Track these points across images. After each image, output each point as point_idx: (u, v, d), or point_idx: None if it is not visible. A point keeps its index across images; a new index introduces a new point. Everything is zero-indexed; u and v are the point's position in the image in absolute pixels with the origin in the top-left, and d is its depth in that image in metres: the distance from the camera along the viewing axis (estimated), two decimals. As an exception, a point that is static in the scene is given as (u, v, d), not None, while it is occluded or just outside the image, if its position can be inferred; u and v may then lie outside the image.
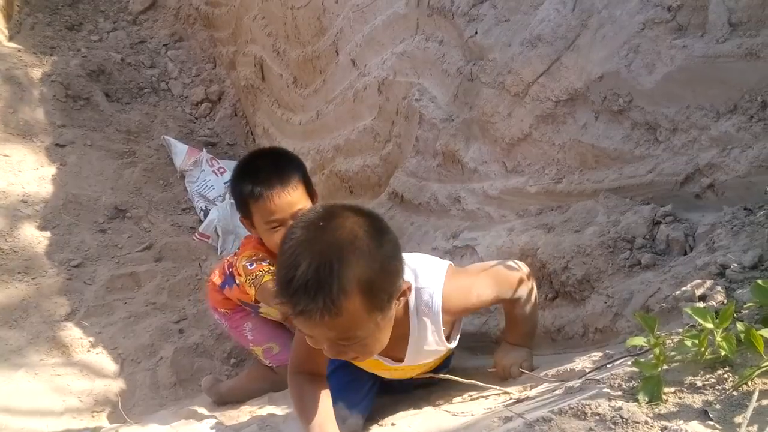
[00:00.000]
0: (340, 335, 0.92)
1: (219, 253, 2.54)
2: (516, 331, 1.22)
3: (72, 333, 2.13)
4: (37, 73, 3.00)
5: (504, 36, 1.48)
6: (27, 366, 1.99)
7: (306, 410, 1.06)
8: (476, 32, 1.55)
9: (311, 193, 1.52)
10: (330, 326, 0.89)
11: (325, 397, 1.07)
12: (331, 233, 0.89)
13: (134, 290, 2.35)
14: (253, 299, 1.55)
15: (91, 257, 2.43)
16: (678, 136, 1.18)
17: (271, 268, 1.49)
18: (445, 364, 1.25)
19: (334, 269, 0.86)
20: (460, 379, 1.13)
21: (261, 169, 1.48)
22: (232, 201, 2.70)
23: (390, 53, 1.89)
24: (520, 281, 1.14)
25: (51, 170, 2.68)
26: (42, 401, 1.89)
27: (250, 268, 1.52)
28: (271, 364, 1.75)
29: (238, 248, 1.71)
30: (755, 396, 0.71)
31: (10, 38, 3.22)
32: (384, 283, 0.91)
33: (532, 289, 1.17)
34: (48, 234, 2.46)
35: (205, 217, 2.64)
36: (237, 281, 1.62)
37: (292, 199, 1.45)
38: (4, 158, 2.64)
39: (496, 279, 1.13)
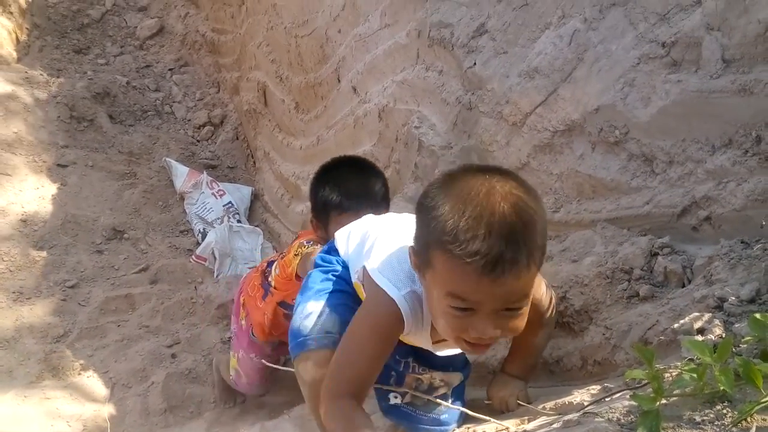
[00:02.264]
0: (519, 297, 0.81)
1: (215, 276, 2.52)
2: (521, 362, 1.18)
3: (64, 355, 2.10)
4: (43, 95, 3.04)
5: (502, 67, 1.51)
6: (17, 388, 1.96)
7: None
8: (475, 63, 1.59)
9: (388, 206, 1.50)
10: (520, 284, 0.79)
11: None
12: (509, 182, 0.80)
13: (128, 312, 2.32)
14: (295, 272, 1.46)
15: (86, 278, 2.42)
16: (674, 168, 1.19)
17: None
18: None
19: (534, 215, 0.78)
20: (461, 409, 1.11)
21: (351, 182, 1.45)
22: (231, 224, 2.72)
23: (390, 81, 1.92)
24: (554, 306, 1.12)
25: (51, 190, 2.69)
26: (30, 425, 1.85)
27: (307, 243, 1.47)
28: (232, 381, 1.81)
29: (287, 246, 1.67)
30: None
31: (18, 60, 3.28)
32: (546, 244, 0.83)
33: (554, 319, 1.14)
34: (45, 254, 2.45)
35: (203, 240, 2.64)
36: (275, 273, 1.57)
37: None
38: (6, 177, 2.65)
39: (547, 289, 1.09)
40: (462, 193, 0.80)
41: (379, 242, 1.02)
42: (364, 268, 1.01)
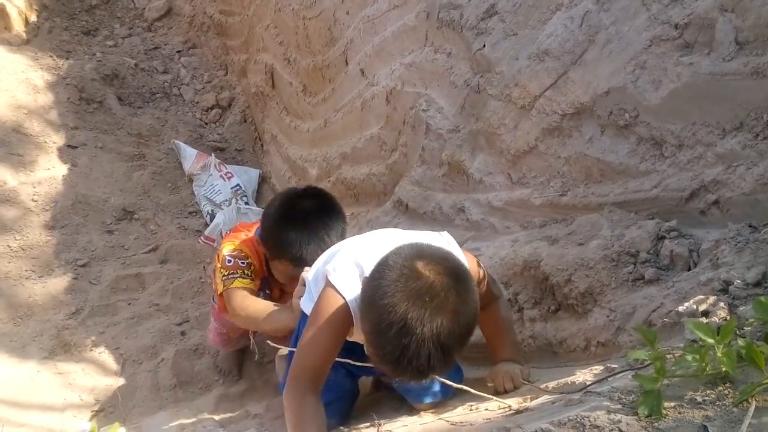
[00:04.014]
0: None
1: (224, 257, 2.55)
2: (506, 342, 1.24)
3: (76, 332, 2.14)
4: (52, 76, 3.05)
5: (512, 49, 1.50)
6: (30, 362, 2.01)
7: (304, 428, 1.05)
8: (484, 45, 1.57)
9: None
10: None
11: (323, 420, 1.07)
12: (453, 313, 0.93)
13: (138, 291, 2.36)
14: (219, 293, 1.54)
15: (97, 257, 2.45)
16: (684, 152, 1.18)
17: (246, 273, 1.50)
18: (456, 372, 1.25)
19: (454, 354, 0.96)
20: (465, 387, 1.13)
21: (314, 227, 1.41)
22: (239, 206, 2.73)
23: (399, 64, 1.91)
24: (488, 278, 1.21)
25: (62, 171, 2.72)
26: (44, 397, 1.90)
27: (228, 264, 1.51)
28: (211, 334, 1.89)
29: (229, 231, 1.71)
30: (751, 412, 0.71)
31: (28, 41, 3.28)
32: None
33: (500, 289, 1.26)
34: (56, 233, 2.49)
35: (211, 221, 2.66)
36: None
37: None
38: (17, 158, 2.68)
39: (478, 267, 1.20)
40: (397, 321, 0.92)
41: (342, 252, 1.15)
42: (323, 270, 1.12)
